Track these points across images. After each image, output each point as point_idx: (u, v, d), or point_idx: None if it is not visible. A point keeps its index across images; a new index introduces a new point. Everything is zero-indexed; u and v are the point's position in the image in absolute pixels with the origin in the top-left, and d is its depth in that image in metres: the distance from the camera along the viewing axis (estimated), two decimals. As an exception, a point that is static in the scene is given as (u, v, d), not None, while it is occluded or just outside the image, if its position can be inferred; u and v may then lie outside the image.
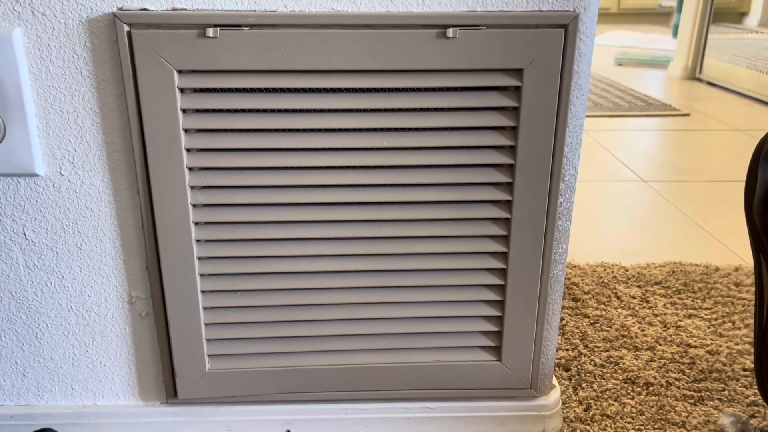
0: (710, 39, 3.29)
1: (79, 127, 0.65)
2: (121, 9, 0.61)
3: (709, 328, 1.06)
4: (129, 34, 0.61)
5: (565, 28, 0.62)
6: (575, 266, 1.27)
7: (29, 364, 0.75)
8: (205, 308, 0.72)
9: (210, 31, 0.61)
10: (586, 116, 2.45)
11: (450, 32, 0.62)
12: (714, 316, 1.09)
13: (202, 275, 0.71)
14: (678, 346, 1.00)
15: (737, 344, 1.01)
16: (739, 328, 1.05)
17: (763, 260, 0.65)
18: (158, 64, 0.62)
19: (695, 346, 1.00)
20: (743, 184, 1.83)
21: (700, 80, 3.31)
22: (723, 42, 3.29)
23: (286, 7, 0.61)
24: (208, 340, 0.74)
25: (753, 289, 1.18)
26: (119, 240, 0.69)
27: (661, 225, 1.52)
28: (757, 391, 0.89)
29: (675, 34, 3.83)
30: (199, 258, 0.70)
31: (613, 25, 5.86)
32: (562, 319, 1.07)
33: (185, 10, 0.61)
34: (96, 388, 0.76)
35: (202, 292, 0.71)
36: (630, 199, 1.69)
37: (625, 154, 2.06)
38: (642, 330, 1.04)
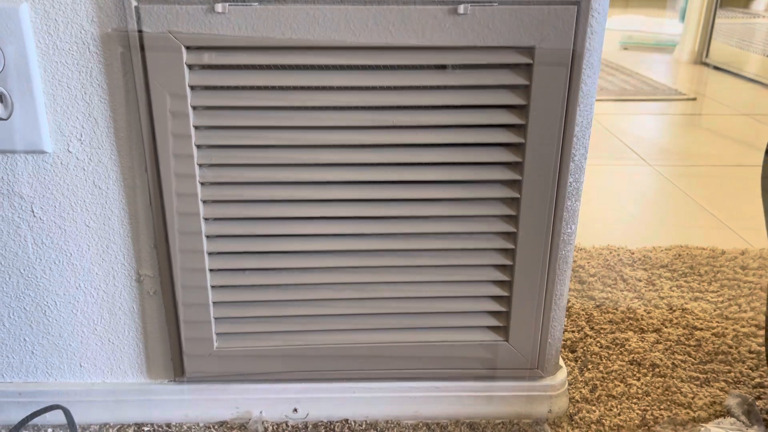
0: (717, 23, 3.26)
1: (86, 104, 0.64)
2: (128, -16, 0.60)
3: (715, 311, 1.06)
4: (137, 9, 0.60)
5: (578, 4, 0.62)
6: (581, 249, 1.27)
7: (38, 341, 0.75)
8: (213, 287, 0.72)
9: (219, 7, 0.60)
10: (592, 100, 2.43)
11: (461, 8, 0.61)
12: (720, 299, 1.09)
13: (210, 253, 0.71)
14: (684, 328, 1.00)
15: (743, 327, 1.01)
16: (745, 311, 1.05)
17: None
18: (166, 40, 0.61)
19: (701, 329, 1.00)
20: (749, 169, 1.82)
21: (706, 65, 3.29)
22: (730, 26, 3.26)
23: (296, -17, 0.61)
24: (216, 318, 0.74)
25: (759, 272, 1.18)
26: (127, 218, 0.69)
27: (667, 208, 1.52)
28: (763, 373, 0.89)
29: (682, 17, 3.79)
30: (207, 236, 0.70)
31: (620, 9, 5.81)
32: (568, 301, 1.07)
33: (193, -15, 0.60)
34: (104, 365, 0.77)
35: (210, 270, 0.71)
36: (636, 182, 1.68)
37: (631, 138, 2.05)
38: (648, 312, 1.04)
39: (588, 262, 1.21)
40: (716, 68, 3.20)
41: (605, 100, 2.53)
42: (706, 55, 3.29)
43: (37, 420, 0.77)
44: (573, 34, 0.63)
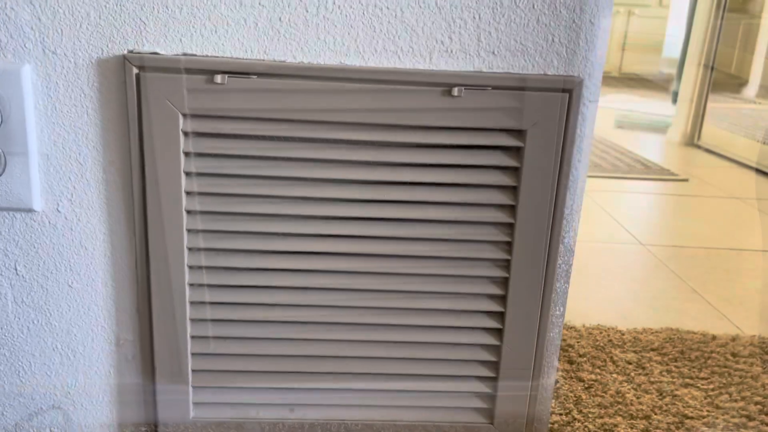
0: (709, 107, 3.34)
1: (80, 165, 0.65)
2: (131, 51, 0.61)
3: (705, 398, 1.04)
4: (138, 76, 0.61)
5: (569, 92, 0.63)
6: (571, 327, 1.26)
7: (9, 403, 0.73)
8: (193, 354, 0.71)
9: (218, 78, 0.61)
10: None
11: (455, 91, 0.62)
12: (711, 386, 1.07)
13: (192, 320, 0.69)
14: (674, 416, 0.98)
15: (734, 417, 0.98)
16: (735, 400, 1.03)
17: None
18: (164, 107, 0.62)
19: (692, 417, 0.98)
20: (740, 253, 1.82)
21: (698, 147, 3.36)
22: (722, 110, 3.35)
23: (295, 58, 0.62)
24: (194, 387, 0.72)
25: (750, 360, 1.17)
26: (111, 280, 0.69)
27: (658, 289, 1.51)
28: (754, 468, 0.87)
29: (675, 100, 3.90)
30: (191, 302, 0.69)
31: (614, 88, 5.97)
32: (556, 381, 1.05)
33: (195, 55, 0.62)
34: None
35: (192, 337, 0.70)
36: (627, 261, 1.68)
37: (623, 216, 2.07)
38: (637, 397, 1.02)
39: (577, 342, 1.19)
40: (708, 151, 3.27)
41: (598, 176, 2.56)
42: (698, 138, 3.36)
43: (-1, 486, 0.74)
44: (564, 120, 0.64)
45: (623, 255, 1.73)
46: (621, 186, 2.47)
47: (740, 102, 3.49)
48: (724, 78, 3.55)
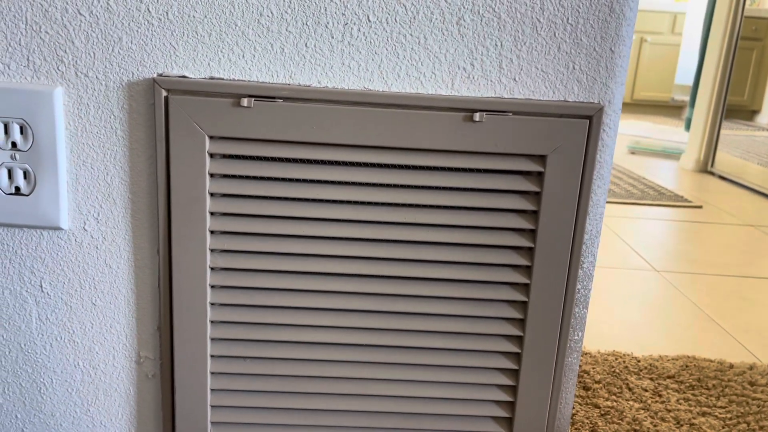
0: (722, 134, 3.34)
1: (107, 185, 0.66)
2: (161, 75, 0.63)
3: (723, 428, 1.03)
4: (166, 99, 0.63)
5: (590, 119, 0.64)
6: (586, 353, 1.25)
7: (29, 419, 0.73)
8: (213, 373, 0.71)
9: (245, 101, 0.63)
10: (599, 202, 2.47)
11: (477, 116, 0.63)
12: (728, 415, 1.06)
13: (213, 339, 0.70)
14: (692, 444, 0.97)
15: (753, 447, 0.97)
16: (753, 430, 1.02)
17: None
18: (191, 129, 0.63)
19: (709, 446, 0.97)
20: (755, 281, 1.81)
21: (712, 173, 3.35)
22: (735, 138, 3.35)
23: (320, 83, 0.64)
24: (212, 406, 0.72)
25: (767, 389, 1.15)
26: (134, 298, 0.69)
27: (674, 316, 1.50)
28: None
29: (687, 127, 3.90)
30: (212, 321, 0.69)
31: (627, 114, 5.99)
32: (572, 408, 1.05)
33: (222, 79, 0.63)
34: (93, 449, 0.75)
35: (212, 356, 0.71)
36: (642, 287, 1.68)
37: (638, 243, 2.06)
38: (654, 425, 1.01)
39: (593, 368, 1.19)
40: (721, 177, 3.26)
41: (612, 202, 2.56)
42: (712, 165, 3.36)
43: (17, 503, 0.74)
44: (584, 146, 0.65)
45: (638, 281, 1.72)
46: (635, 212, 2.46)
47: (753, 129, 3.48)
48: (737, 105, 3.55)
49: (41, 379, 0.72)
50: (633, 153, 3.85)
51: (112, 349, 0.71)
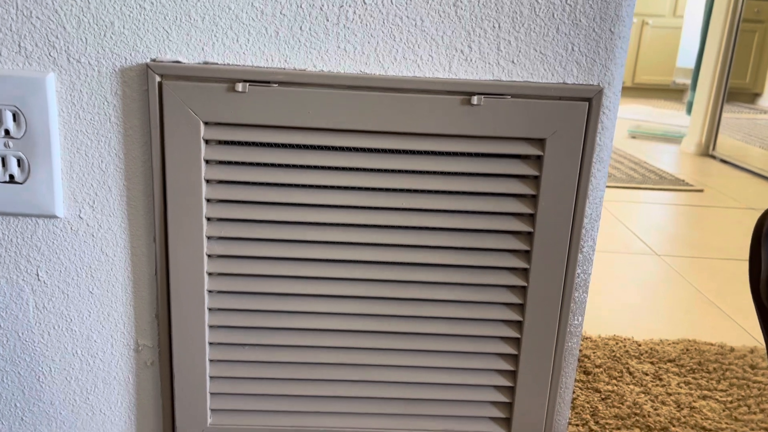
0: (724, 117, 3.32)
1: (102, 172, 0.65)
2: (154, 60, 0.62)
3: (724, 411, 1.03)
4: (160, 84, 0.62)
5: (589, 101, 0.63)
6: (587, 338, 1.25)
7: (29, 408, 0.73)
8: (211, 360, 0.71)
9: (239, 86, 0.62)
10: (600, 186, 2.46)
11: (474, 99, 0.63)
12: (729, 398, 1.06)
13: (211, 326, 0.70)
14: (692, 428, 0.97)
15: (753, 430, 0.97)
16: (754, 413, 1.02)
17: None
18: (186, 115, 0.62)
19: (710, 430, 0.97)
20: (758, 264, 1.80)
21: (713, 157, 3.33)
22: (736, 121, 3.33)
23: (315, 67, 0.63)
24: (212, 393, 0.72)
25: (769, 372, 1.15)
26: (131, 286, 0.69)
27: (674, 300, 1.50)
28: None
29: (689, 110, 3.88)
30: (209, 309, 0.69)
31: (628, 98, 5.96)
32: (573, 392, 1.05)
33: (216, 64, 0.62)
34: (93, 437, 0.75)
35: (210, 343, 0.70)
36: (643, 272, 1.67)
37: (638, 227, 2.06)
38: (655, 409, 1.01)
39: (594, 353, 1.19)
40: (723, 161, 3.25)
41: (612, 186, 2.55)
42: (713, 148, 3.34)
43: (18, 491, 0.74)
44: (584, 129, 0.64)
45: (639, 265, 1.72)
46: (635, 196, 2.46)
47: (755, 112, 3.46)
48: (738, 88, 3.53)
49: (40, 368, 0.72)
50: (634, 137, 3.83)
51: (110, 337, 0.71)
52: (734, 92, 3.43)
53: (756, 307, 0.63)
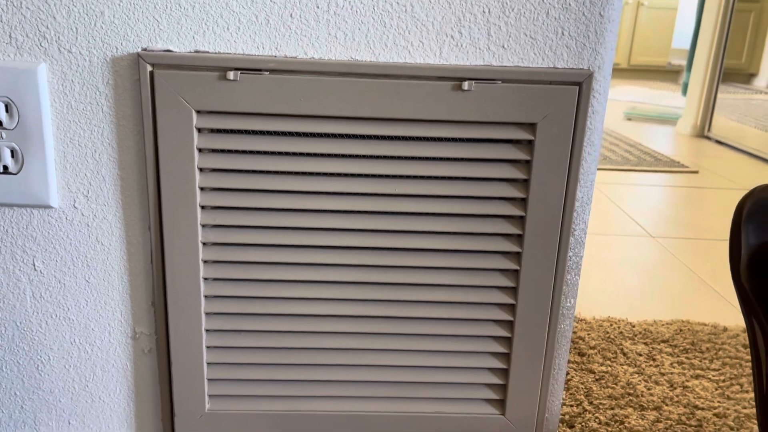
0: (719, 98, 3.32)
1: (96, 162, 0.66)
2: (145, 49, 0.62)
3: (716, 389, 1.04)
4: (151, 73, 0.62)
5: (580, 85, 0.63)
6: (581, 320, 1.26)
7: (28, 396, 0.74)
8: (208, 347, 0.72)
9: (230, 74, 0.62)
10: (595, 169, 2.47)
11: (465, 85, 0.63)
12: (722, 377, 1.08)
13: (207, 314, 0.70)
14: (685, 407, 0.98)
15: (745, 408, 0.99)
16: (746, 391, 1.04)
17: (756, 325, 0.64)
18: (178, 104, 0.63)
19: (702, 408, 0.98)
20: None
21: (708, 138, 3.34)
22: (732, 101, 3.33)
23: (306, 54, 0.63)
24: (209, 379, 0.73)
25: (761, 351, 1.17)
26: (127, 275, 0.70)
27: (668, 281, 1.51)
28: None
29: (684, 91, 3.88)
30: (205, 296, 0.70)
31: (623, 80, 5.95)
32: (567, 373, 1.06)
33: (207, 52, 0.63)
34: (93, 423, 0.75)
35: (207, 330, 0.71)
36: (637, 253, 1.68)
37: (633, 209, 2.07)
38: (648, 389, 1.03)
39: (588, 334, 1.20)
40: (718, 142, 3.25)
41: (608, 169, 2.56)
42: (709, 129, 3.35)
43: (20, 478, 0.75)
44: (574, 113, 0.64)
45: (633, 247, 1.73)
46: (631, 178, 2.46)
47: (751, 93, 3.46)
48: (734, 69, 3.52)
49: (38, 357, 0.72)
50: (629, 119, 3.83)
51: (107, 325, 0.71)
52: (729, 73, 3.43)
53: (736, 290, 0.63)
